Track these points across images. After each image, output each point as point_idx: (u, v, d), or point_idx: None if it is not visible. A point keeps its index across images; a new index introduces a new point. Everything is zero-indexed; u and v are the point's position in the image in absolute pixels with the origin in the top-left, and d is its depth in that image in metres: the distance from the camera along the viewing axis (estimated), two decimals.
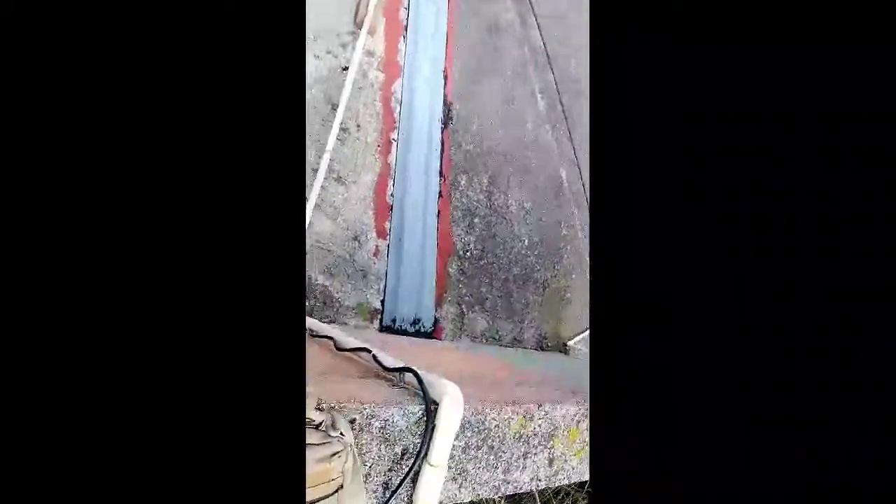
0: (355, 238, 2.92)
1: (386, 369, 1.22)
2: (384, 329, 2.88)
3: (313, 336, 1.81)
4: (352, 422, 0.93)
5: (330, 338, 1.73)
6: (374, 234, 3.00)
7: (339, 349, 1.56)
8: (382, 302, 2.92)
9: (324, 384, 1.03)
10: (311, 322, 1.98)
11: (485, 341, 3.32)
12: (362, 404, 0.94)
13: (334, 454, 0.76)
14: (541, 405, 1.21)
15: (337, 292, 2.75)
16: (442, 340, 3.14)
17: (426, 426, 0.99)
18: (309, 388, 0.90)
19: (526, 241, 3.24)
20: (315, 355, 1.53)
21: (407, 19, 2.66)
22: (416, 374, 1.10)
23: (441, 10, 2.76)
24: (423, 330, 3.06)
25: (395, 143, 3.12)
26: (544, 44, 3.05)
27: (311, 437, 0.75)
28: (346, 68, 2.45)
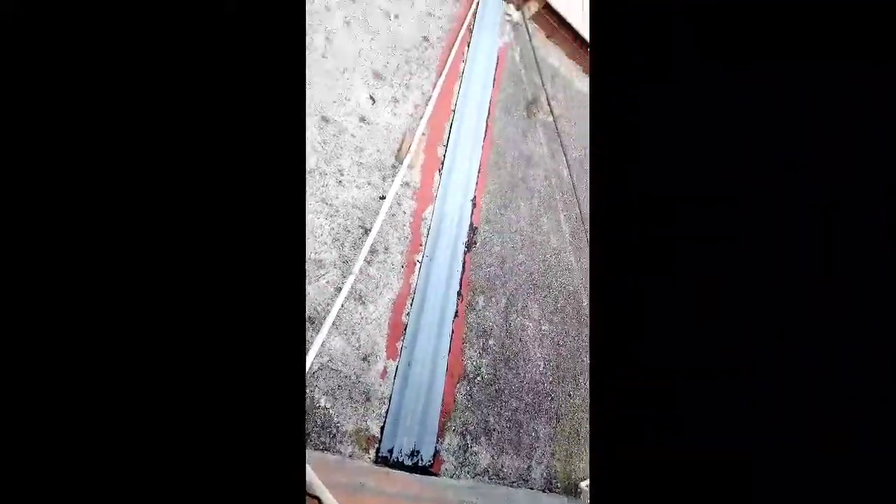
0: (365, 358, 2.81)
1: None
2: (379, 460, 2.66)
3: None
4: None
5: (317, 498, 1.57)
6: (385, 355, 2.89)
7: None
8: (382, 428, 2.73)
9: None
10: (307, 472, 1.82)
11: (488, 479, 3.03)
12: None
13: None
14: None
15: (337, 415, 2.59)
16: (440, 476, 2.87)
17: None
18: None
19: (542, 366, 3.09)
20: None
21: (444, 155, 2.80)
22: None
23: (477, 144, 2.92)
24: (420, 463, 2.82)
25: (418, 265, 3.15)
26: (571, 177, 3.17)
27: None
28: (383, 197, 2.55)
